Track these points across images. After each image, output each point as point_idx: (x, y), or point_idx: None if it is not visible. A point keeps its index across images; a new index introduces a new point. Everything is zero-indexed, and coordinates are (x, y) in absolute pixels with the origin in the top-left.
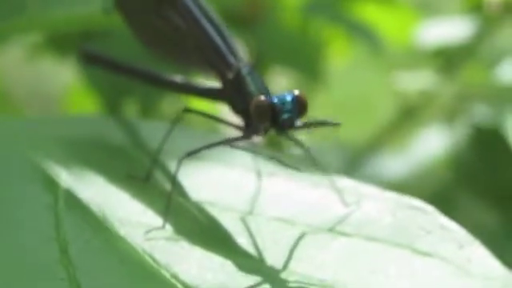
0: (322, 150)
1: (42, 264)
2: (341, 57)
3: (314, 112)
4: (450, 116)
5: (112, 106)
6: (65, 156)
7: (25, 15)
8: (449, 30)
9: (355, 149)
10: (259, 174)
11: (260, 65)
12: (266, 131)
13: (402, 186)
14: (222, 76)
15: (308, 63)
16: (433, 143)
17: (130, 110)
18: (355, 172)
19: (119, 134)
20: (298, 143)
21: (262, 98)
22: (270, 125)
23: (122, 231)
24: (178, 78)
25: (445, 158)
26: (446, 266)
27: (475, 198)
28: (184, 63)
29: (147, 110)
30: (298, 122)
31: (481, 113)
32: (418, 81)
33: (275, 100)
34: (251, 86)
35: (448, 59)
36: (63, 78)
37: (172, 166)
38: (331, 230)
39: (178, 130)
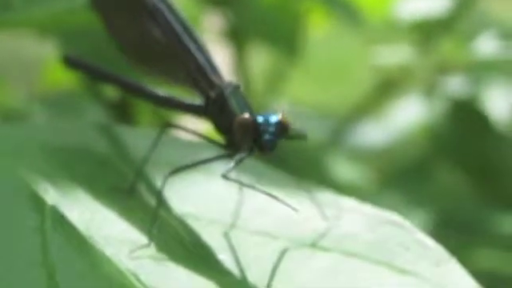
0: (306, 120)
1: None
2: (318, 30)
3: (294, 85)
4: (428, 89)
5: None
6: (49, 167)
7: (10, 12)
8: (427, 3)
9: (337, 118)
10: (241, 185)
11: (238, 40)
12: (248, 150)
13: (381, 155)
14: (204, 94)
15: (286, 37)
16: (411, 113)
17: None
18: (339, 142)
19: (104, 142)
20: (280, 161)
21: (246, 115)
22: (253, 143)
23: (108, 251)
24: (160, 92)
25: (423, 127)
26: (423, 285)
27: (451, 168)
28: (165, 77)
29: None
30: (279, 142)
31: (458, 86)
32: (395, 54)
33: (259, 119)
34: (234, 106)
35: (426, 33)
36: (45, 47)
37: (156, 177)
38: (312, 244)
39: (162, 140)
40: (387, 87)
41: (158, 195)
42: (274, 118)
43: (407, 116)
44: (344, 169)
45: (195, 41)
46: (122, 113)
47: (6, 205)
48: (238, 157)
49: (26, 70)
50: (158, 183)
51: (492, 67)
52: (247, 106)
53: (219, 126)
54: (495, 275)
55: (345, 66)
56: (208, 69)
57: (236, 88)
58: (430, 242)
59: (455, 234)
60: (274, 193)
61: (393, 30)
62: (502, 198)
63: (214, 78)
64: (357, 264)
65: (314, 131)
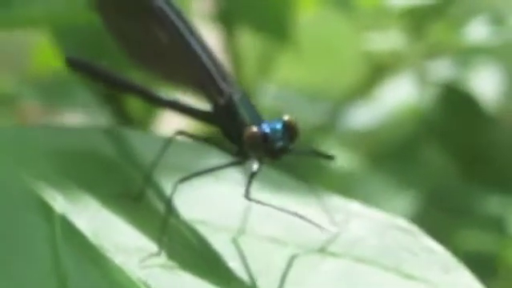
0: (296, 102)
1: None
2: (309, 14)
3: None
4: (418, 73)
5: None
6: (56, 173)
7: (8, 11)
8: None
9: (328, 101)
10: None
11: (227, 23)
12: (260, 160)
13: (370, 136)
14: (212, 100)
15: (276, 20)
16: (400, 95)
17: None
18: (330, 125)
19: (110, 147)
20: (291, 167)
21: (255, 128)
22: (264, 154)
23: (118, 259)
24: (168, 96)
25: (412, 110)
26: None
27: (440, 150)
28: (172, 82)
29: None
30: (291, 147)
31: (448, 70)
32: (386, 40)
33: (267, 129)
34: (243, 114)
35: (417, 18)
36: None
37: (164, 182)
38: (321, 250)
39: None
40: (378, 71)
41: (168, 203)
42: (281, 124)
43: (396, 98)
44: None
45: (203, 46)
46: (112, 96)
47: (14, 214)
48: (249, 167)
49: (16, 54)
50: (167, 189)
51: (482, 52)
52: (256, 114)
53: (228, 133)
54: (482, 256)
55: (335, 51)
56: (216, 75)
57: (245, 95)
58: (438, 248)
59: (443, 214)
60: (284, 198)
61: (384, 16)
62: (490, 179)
63: (222, 85)
64: (366, 269)
65: (304, 113)
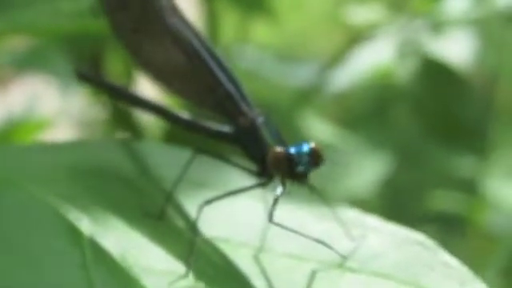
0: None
1: None
2: None
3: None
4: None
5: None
6: (78, 192)
7: (9, 16)
8: None
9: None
10: (267, 205)
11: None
12: (283, 183)
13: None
14: (233, 121)
15: None
16: (373, 58)
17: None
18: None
19: (129, 162)
20: (310, 188)
21: (280, 149)
22: (288, 175)
23: (148, 283)
24: (185, 115)
25: (384, 73)
26: None
27: (413, 115)
28: (192, 101)
29: None
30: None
31: (422, 38)
32: (365, 14)
33: (292, 151)
34: (267, 136)
35: None
36: None
37: (186, 200)
38: (340, 265)
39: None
40: (354, 39)
41: (193, 225)
42: (306, 148)
43: (370, 62)
44: (316, 126)
45: (223, 67)
46: (94, 64)
47: (44, 240)
48: (274, 191)
49: None
50: (189, 207)
51: (458, 23)
52: (279, 136)
53: (250, 154)
54: (452, 215)
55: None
56: (237, 96)
57: (268, 117)
58: (455, 263)
59: (415, 175)
60: (302, 213)
61: None
62: (463, 142)
63: (243, 106)
64: (384, 284)
65: (280, 77)
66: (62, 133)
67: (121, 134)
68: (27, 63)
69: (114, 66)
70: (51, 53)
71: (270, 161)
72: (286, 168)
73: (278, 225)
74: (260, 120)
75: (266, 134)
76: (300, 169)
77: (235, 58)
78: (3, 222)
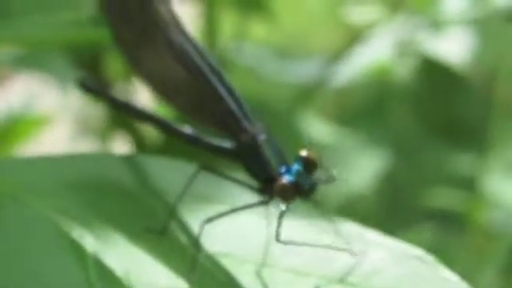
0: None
1: None
2: None
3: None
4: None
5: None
6: (79, 207)
7: (7, 25)
8: None
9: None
10: (269, 221)
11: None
12: (289, 203)
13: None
14: (234, 137)
15: None
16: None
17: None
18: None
19: (130, 175)
20: (314, 203)
21: (285, 181)
22: (294, 200)
23: None
24: (188, 129)
25: (382, 71)
26: None
27: (412, 112)
28: (193, 116)
29: None
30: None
31: (422, 37)
32: (364, 12)
33: (294, 178)
34: (269, 154)
35: None
36: None
37: (188, 215)
38: (341, 281)
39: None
40: (355, 39)
41: (196, 242)
42: (301, 163)
43: (368, 59)
44: (314, 124)
45: (224, 83)
46: (93, 67)
47: (47, 256)
48: (276, 206)
49: None
50: (191, 222)
51: (458, 20)
52: (281, 153)
53: (252, 171)
54: (450, 213)
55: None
56: (238, 112)
57: (269, 134)
58: (454, 278)
59: (413, 173)
60: (300, 224)
61: None
62: (462, 140)
63: (244, 123)
64: None
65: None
66: (60, 130)
67: (119, 133)
68: (25, 61)
69: (113, 70)
70: (49, 51)
71: (278, 193)
72: (294, 195)
73: (287, 243)
74: (262, 137)
75: (268, 153)
76: (306, 188)
77: (234, 56)
78: (4, 237)
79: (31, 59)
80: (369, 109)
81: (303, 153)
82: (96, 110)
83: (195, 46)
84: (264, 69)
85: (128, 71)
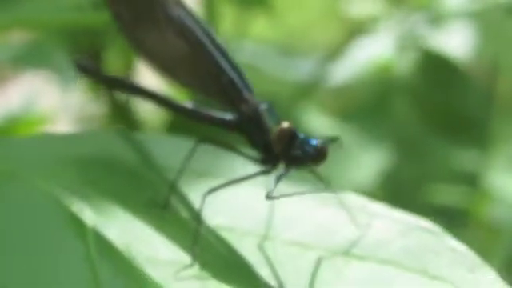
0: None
1: None
2: None
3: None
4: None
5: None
6: (80, 183)
7: (9, 10)
8: None
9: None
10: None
11: None
12: (286, 166)
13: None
14: (236, 109)
15: None
16: (373, 51)
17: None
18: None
19: (131, 152)
20: (314, 174)
21: (288, 124)
22: (283, 152)
23: (152, 273)
24: (188, 104)
25: (384, 66)
26: None
27: (414, 108)
28: (195, 89)
29: None
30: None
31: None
32: (365, 7)
33: (300, 135)
34: (270, 122)
35: None
36: None
37: (189, 189)
38: (346, 253)
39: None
40: (354, 32)
41: (198, 215)
42: (314, 143)
43: (370, 56)
44: (316, 120)
45: (225, 55)
46: (94, 58)
47: (47, 230)
48: (276, 173)
49: None
50: (193, 196)
51: (458, 15)
52: (281, 122)
53: (253, 141)
54: (453, 208)
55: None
56: (240, 84)
57: (270, 105)
58: (462, 248)
59: (416, 168)
60: (305, 200)
61: None
62: (464, 135)
63: (245, 93)
64: (392, 272)
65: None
66: (61, 128)
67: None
68: (26, 59)
69: (114, 59)
70: (50, 48)
71: (276, 133)
72: (285, 144)
73: (276, 197)
74: (262, 107)
75: (268, 121)
76: (297, 153)
77: (234, 52)
78: (5, 213)
79: (32, 57)
80: (371, 104)
81: (321, 142)
82: (97, 108)
83: (196, 20)
84: (265, 65)
85: (131, 62)
